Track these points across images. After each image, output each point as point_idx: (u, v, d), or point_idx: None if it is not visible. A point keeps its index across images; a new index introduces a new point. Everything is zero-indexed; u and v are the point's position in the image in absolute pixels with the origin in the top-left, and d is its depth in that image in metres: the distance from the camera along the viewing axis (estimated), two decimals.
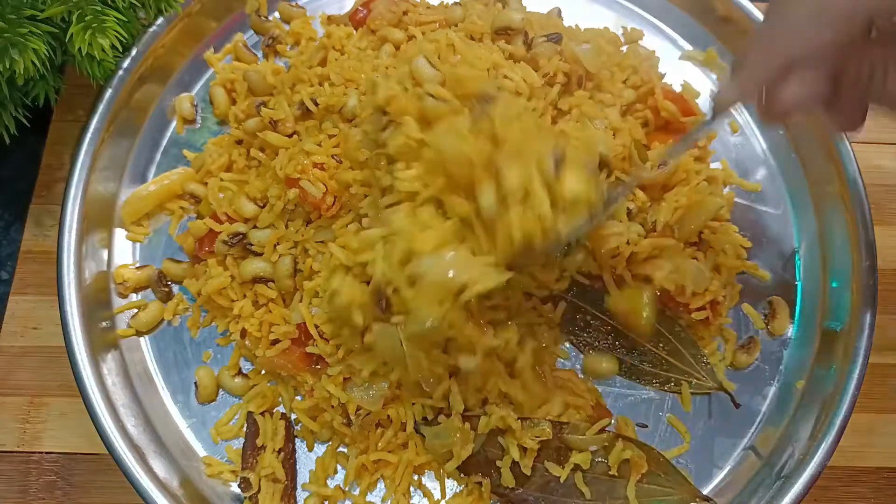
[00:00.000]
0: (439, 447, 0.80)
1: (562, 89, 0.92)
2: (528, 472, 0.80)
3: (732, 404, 0.88)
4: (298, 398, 0.85)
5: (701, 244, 0.91)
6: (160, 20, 0.96)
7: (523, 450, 0.80)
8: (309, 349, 0.81)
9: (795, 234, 0.97)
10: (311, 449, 0.84)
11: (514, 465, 0.80)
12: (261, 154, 0.90)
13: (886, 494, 0.89)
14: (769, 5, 0.66)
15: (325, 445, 0.85)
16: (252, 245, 0.86)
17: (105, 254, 0.92)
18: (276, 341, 0.83)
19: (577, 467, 0.80)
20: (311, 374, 0.83)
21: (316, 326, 0.81)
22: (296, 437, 0.85)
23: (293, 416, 0.85)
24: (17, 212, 0.99)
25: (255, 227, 0.87)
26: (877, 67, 0.63)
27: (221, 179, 0.92)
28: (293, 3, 1.07)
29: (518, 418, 0.80)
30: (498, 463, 0.80)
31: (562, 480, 0.80)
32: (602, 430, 0.81)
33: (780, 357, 0.91)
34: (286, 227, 0.86)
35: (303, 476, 0.84)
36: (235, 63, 1.03)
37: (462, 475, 0.83)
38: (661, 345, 0.87)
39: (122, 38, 0.87)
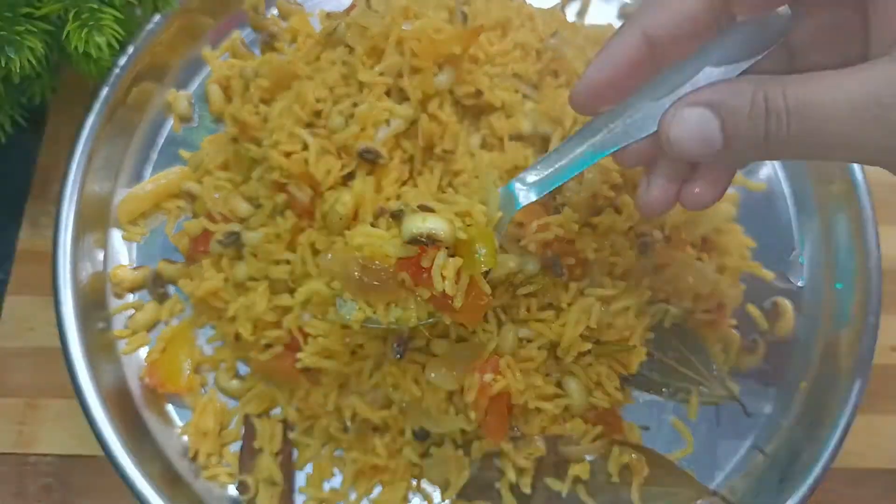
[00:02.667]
0: (438, 476, 0.80)
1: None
2: (528, 490, 0.79)
3: (741, 410, 0.87)
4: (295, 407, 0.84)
5: (705, 245, 0.90)
6: (157, 18, 0.94)
7: (520, 469, 0.79)
8: (299, 364, 0.79)
9: (799, 235, 0.96)
10: (300, 468, 0.83)
11: (514, 486, 0.79)
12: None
13: (890, 497, 0.89)
14: None
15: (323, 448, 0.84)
16: (244, 246, 0.84)
17: (101, 254, 0.91)
18: (269, 346, 0.82)
19: (577, 479, 0.79)
20: (307, 378, 0.82)
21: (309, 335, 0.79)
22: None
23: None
24: (13, 212, 0.98)
25: (247, 228, 0.85)
26: None
27: (217, 178, 0.91)
28: (291, 0, 1.06)
29: (509, 438, 0.78)
30: (497, 485, 0.79)
31: (564, 495, 0.79)
32: (597, 438, 0.80)
33: (783, 358, 0.90)
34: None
35: (301, 479, 0.83)
36: (232, 60, 1.02)
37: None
38: (669, 353, 0.86)
39: (118, 36, 0.86)
